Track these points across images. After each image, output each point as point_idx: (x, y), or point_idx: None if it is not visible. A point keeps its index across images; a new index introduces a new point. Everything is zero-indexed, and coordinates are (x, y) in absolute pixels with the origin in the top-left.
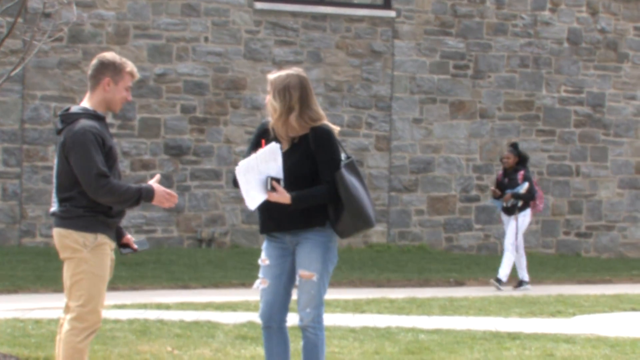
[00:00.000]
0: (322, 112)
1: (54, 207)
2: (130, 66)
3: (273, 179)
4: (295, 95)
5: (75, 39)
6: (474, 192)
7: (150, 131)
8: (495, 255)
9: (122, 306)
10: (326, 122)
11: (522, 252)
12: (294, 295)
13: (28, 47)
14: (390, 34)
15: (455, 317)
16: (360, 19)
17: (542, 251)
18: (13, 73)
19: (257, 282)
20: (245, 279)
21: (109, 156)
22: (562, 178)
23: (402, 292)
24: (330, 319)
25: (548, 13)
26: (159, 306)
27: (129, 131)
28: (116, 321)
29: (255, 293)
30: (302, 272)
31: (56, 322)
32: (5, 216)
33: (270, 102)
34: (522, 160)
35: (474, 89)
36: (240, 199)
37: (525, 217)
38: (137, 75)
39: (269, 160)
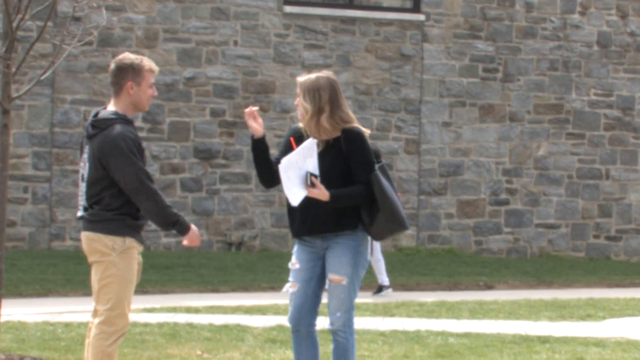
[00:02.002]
0: (352, 115)
1: (80, 211)
2: (147, 63)
3: (312, 174)
4: (325, 97)
5: (105, 43)
6: (503, 196)
7: (180, 135)
8: (524, 259)
9: (151, 310)
10: (357, 124)
11: (379, 255)
12: (324, 299)
13: (58, 51)
14: (419, 37)
15: (485, 321)
16: (390, 23)
17: (572, 254)
18: (43, 77)
19: (287, 285)
20: (275, 283)
21: (143, 160)
22: (591, 181)
23: (432, 295)
24: (359, 323)
25: (577, 16)
26: (188, 310)
27: (159, 135)
28: (146, 324)
29: (284, 296)
30: (332, 276)
31: (86, 325)
32: (35, 220)
33: (301, 103)
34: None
35: (504, 92)
36: (270, 203)
37: None
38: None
39: (307, 156)
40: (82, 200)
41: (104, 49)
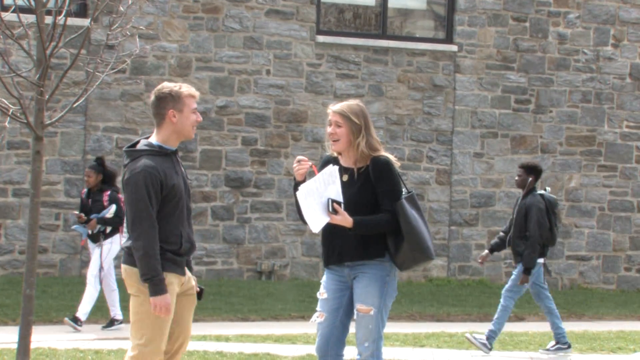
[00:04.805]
0: (379, 144)
1: (125, 240)
2: (186, 88)
3: (334, 201)
4: (363, 121)
5: (137, 71)
6: None
7: (212, 163)
8: (555, 291)
9: None
10: (385, 153)
11: (113, 286)
12: (352, 329)
13: (91, 78)
14: (451, 68)
15: (515, 352)
16: (422, 53)
17: (603, 287)
18: (76, 104)
19: (315, 315)
20: (305, 312)
21: (171, 195)
22: (623, 214)
23: (462, 326)
24: (389, 353)
25: (610, 48)
26: (218, 338)
27: (191, 163)
28: None
29: (314, 326)
30: (359, 307)
31: (116, 352)
32: (66, 247)
33: (346, 126)
34: (107, 179)
35: (535, 123)
36: (301, 232)
37: (112, 245)
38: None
39: (328, 183)
40: (125, 229)
41: (136, 77)
